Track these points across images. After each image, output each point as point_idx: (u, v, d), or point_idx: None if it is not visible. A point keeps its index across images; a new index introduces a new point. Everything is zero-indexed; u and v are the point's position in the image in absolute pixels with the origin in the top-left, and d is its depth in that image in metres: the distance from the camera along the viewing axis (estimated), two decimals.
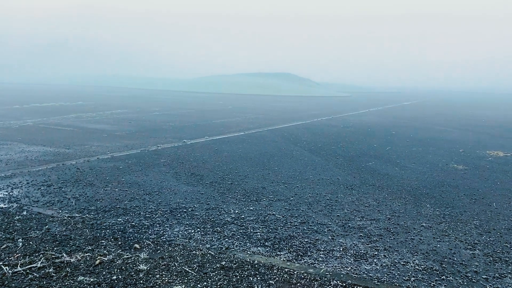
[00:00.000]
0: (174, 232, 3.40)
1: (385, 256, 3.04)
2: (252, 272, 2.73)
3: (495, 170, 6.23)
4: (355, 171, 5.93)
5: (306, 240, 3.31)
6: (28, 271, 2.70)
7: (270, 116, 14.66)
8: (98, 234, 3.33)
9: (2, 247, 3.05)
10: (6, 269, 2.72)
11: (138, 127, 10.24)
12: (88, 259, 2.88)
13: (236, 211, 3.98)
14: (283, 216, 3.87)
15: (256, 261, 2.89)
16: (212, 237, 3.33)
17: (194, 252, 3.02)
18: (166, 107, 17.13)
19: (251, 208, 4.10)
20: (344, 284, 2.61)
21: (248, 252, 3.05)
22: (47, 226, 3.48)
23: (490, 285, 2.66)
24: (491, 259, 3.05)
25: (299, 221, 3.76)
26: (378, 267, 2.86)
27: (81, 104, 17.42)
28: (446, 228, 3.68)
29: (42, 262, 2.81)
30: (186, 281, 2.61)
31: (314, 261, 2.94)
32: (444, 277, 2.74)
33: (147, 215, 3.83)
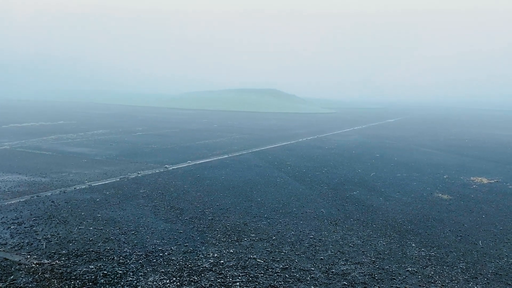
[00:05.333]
0: (148, 283, 3.22)
1: None
2: None
3: (479, 200, 6.18)
4: (339, 202, 5.82)
5: None
6: None
7: (255, 136, 14.55)
8: (67, 287, 3.12)
9: None
10: None
11: (119, 150, 10.02)
12: None
13: (215, 255, 3.81)
14: (264, 261, 3.71)
15: None
16: None
17: None
18: (149, 127, 16.90)
19: (231, 250, 3.93)
20: None
21: None
22: (12, 277, 3.26)
23: None
24: None
25: (281, 266, 3.60)
26: None
27: (62, 123, 17.09)
28: (432, 273, 3.56)
29: None
30: None
31: None
32: None
33: (121, 260, 3.64)
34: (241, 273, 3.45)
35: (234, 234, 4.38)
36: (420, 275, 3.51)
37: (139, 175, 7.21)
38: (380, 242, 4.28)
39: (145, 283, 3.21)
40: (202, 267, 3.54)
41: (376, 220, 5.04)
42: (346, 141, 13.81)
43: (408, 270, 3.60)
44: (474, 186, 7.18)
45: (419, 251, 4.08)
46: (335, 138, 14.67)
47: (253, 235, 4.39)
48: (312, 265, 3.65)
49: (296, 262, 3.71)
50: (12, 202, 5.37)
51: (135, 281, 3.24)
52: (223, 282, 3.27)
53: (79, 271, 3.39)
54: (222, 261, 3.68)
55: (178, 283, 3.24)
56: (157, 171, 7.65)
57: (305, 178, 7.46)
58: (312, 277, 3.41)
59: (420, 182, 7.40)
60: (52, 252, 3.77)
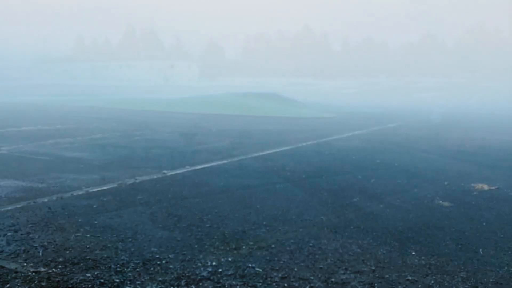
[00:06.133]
0: None
1: None
2: None
3: (480, 207, 6.15)
4: (339, 210, 5.78)
5: None
6: None
7: (255, 140, 14.52)
8: None
9: None
10: None
11: (118, 155, 9.99)
12: None
13: (214, 263, 3.78)
14: (263, 269, 3.68)
15: None
16: None
17: None
18: (148, 131, 16.86)
19: (229, 259, 3.89)
20: None
21: None
22: (8, 285, 3.22)
23: None
24: None
25: (280, 275, 3.57)
26: None
27: (60, 128, 17.06)
28: (433, 282, 3.53)
29: None
30: None
31: None
32: None
33: (118, 268, 3.60)
34: (240, 282, 3.42)
35: (232, 242, 4.35)
36: (420, 284, 3.47)
37: (136, 181, 7.17)
38: (380, 251, 4.25)
39: None
40: (200, 276, 3.50)
41: (376, 228, 5.00)
42: (346, 146, 13.77)
43: (408, 279, 3.57)
44: (474, 193, 7.15)
45: (419, 259, 4.04)
46: (335, 143, 14.63)
47: (251, 243, 4.35)
48: (312, 274, 3.61)
49: (295, 271, 3.68)
50: (9, 208, 5.33)
51: None
52: None
53: (76, 280, 3.35)
54: (220, 270, 3.64)
55: None
56: (155, 176, 7.62)
57: (304, 184, 7.43)
58: (312, 286, 3.37)
59: (420, 188, 7.37)
60: (49, 260, 3.73)
